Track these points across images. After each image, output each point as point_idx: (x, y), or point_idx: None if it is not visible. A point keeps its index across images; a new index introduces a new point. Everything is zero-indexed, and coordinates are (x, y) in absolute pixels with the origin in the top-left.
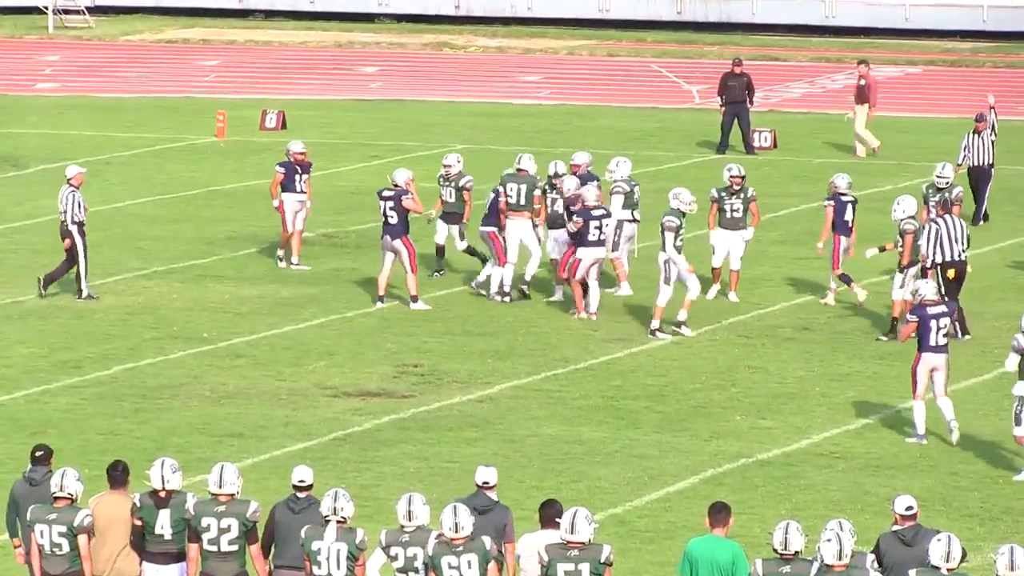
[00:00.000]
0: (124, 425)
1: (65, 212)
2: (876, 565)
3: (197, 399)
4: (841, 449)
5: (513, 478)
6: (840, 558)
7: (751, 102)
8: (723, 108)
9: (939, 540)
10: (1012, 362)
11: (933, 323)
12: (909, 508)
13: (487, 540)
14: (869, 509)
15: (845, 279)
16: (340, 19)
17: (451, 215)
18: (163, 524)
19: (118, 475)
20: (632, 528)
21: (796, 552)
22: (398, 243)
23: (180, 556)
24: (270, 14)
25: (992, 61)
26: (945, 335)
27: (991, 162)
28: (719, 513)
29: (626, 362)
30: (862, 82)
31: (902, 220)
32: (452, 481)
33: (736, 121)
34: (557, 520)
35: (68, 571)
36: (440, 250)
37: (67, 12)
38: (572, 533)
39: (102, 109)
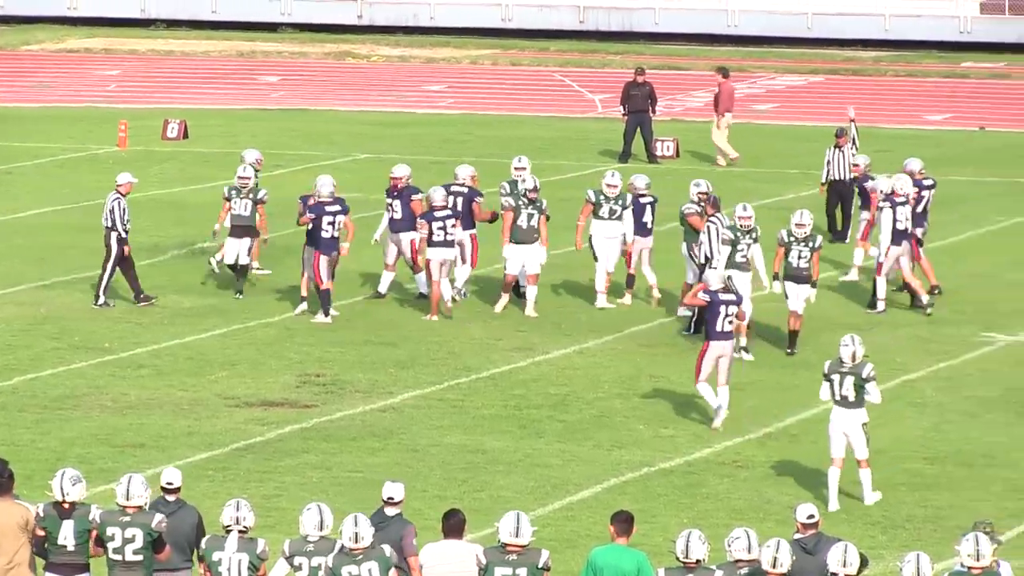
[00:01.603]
0: (25, 436)
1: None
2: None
3: (99, 409)
4: (743, 458)
5: (416, 488)
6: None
7: (654, 111)
8: (626, 117)
9: (836, 547)
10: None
11: (722, 309)
12: (811, 517)
13: (387, 548)
14: (771, 518)
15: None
16: (242, 28)
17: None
18: (66, 535)
19: (3, 481)
20: (538, 537)
21: (698, 560)
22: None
23: (84, 568)
24: (172, 23)
25: (894, 70)
26: (730, 323)
27: (853, 176)
28: (623, 522)
29: (529, 371)
30: (717, 90)
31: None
32: (356, 491)
33: (639, 130)
34: (458, 531)
35: None
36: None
37: None
38: (516, 536)
39: (3, 119)
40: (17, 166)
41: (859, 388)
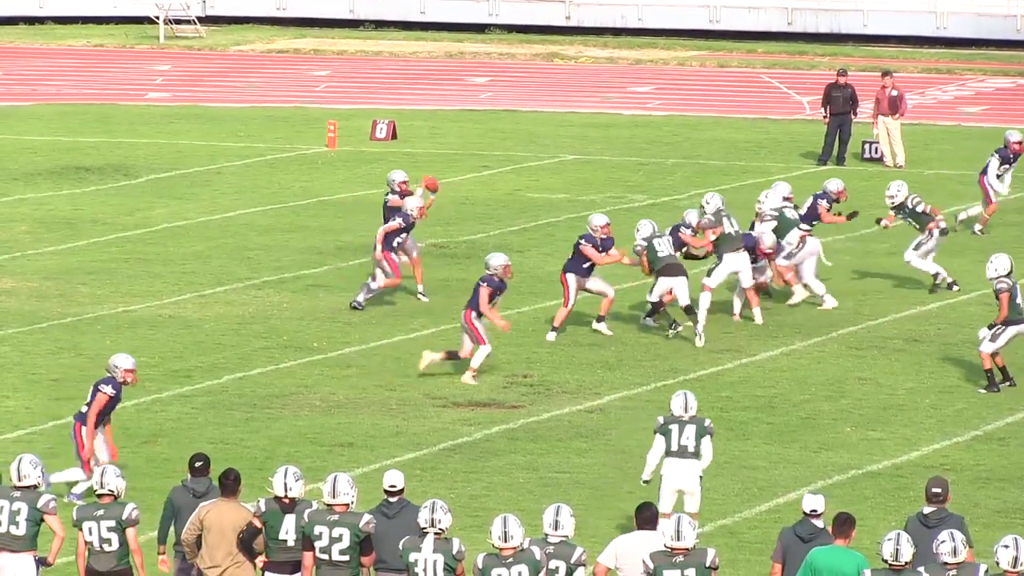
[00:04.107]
0: (234, 434)
1: None
2: None
3: (307, 408)
4: (951, 461)
5: (623, 489)
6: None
7: (855, 113)
8: (827, 119)
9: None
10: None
11: None
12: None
13: (537, 551)
14: (979, 521)
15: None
16: (451, 29)
17: None
18: (287, 529)
19: (230, 483)
20: (741, 539)
21: (906, 563)
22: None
23: (299, 566)
24: (380, 24)
25: None
26: None
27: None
28: (844, 524)
29: (736, 373)
30: (893, 92)
31: (995, 279)
32: (562, 491)
33: (839, 132)
34: (651, 523)
35: (115, 568)
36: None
37: (178, 22)
38: (678, 540)
39: (212, 119)
40: (226, 165)
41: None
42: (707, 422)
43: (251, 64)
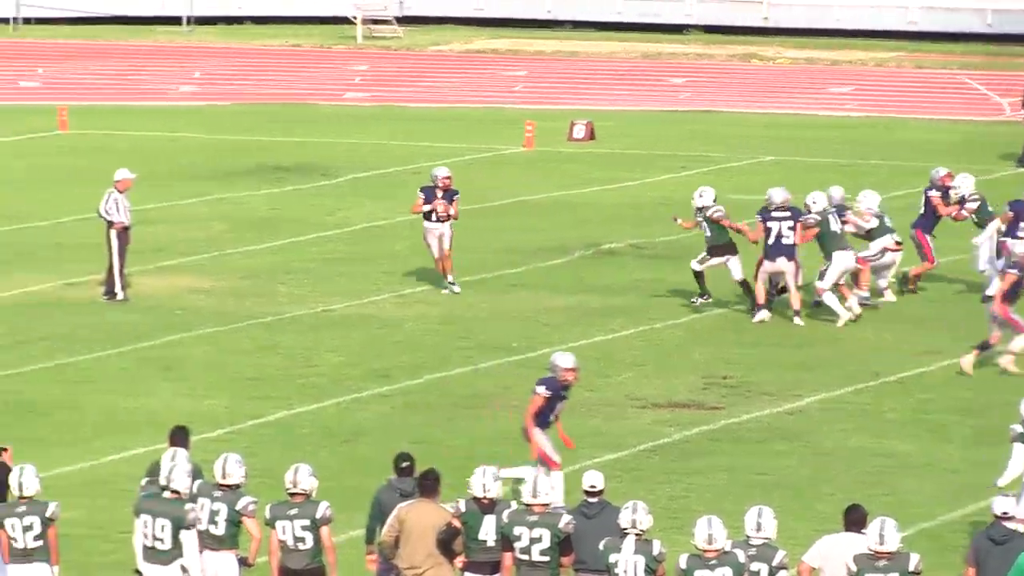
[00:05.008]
0: (434, 434)
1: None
2: None
3: (507, 409)
4: None
5: (823, 491)
6: None
7: None
8: None
9: None
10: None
11: None
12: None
13: (740, 553)
14: None
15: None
16: (648, 30)
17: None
18: (487, 530)
19: (429, 484)
20: (945, 544)
21: None
22: (791, 263)
23: (499, 567)
24: (578, 24)
25: None
26: None
27: None
28: None
29: (937, 375)
30: None
31: None
32: (763, 493)
33: None
34: (859, 525)
35: (308, 566)
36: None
37: (376, 22)
38: (881, 544)
39: (410, 119)
40: (425, 165)
41: None
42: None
43: (448, 64)
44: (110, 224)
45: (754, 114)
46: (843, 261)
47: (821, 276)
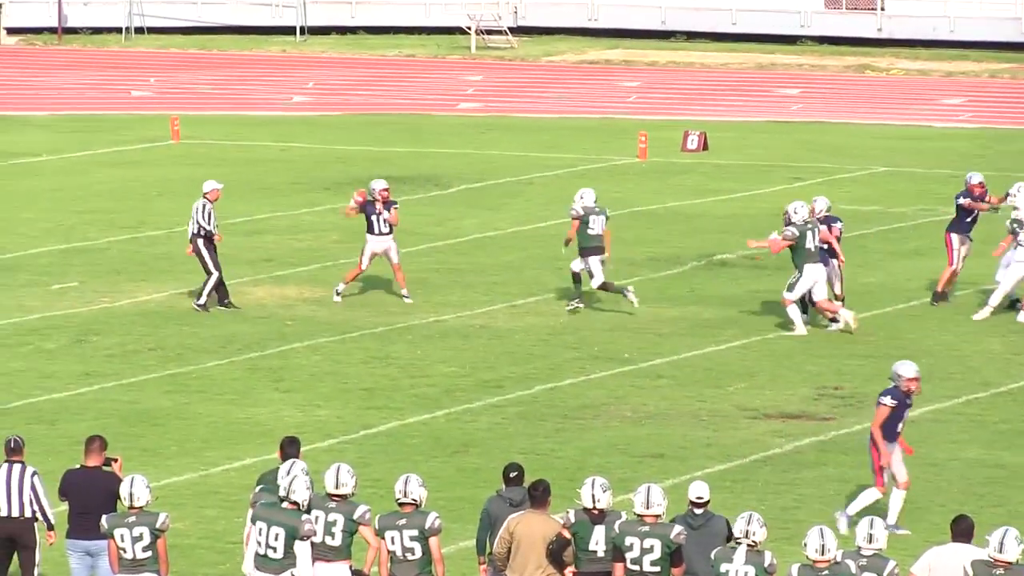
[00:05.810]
0: (545, 445)
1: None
2: None
3: (618, 419)
4: None
5: (935, 502)
6: None
7: None
8: None
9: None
10: None
11: None
12: None
13: (851, 564)
14: None
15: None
16: (761, 41)
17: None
18: (597, 540)
19: (539, 495)
20: None
21: None
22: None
23: None
24: (692, 35)
25: None
26: None
27: None
28: None
29: None
30: None
31: None
32: (873, 505)
33: None
34: (966, 535)
35: None
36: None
37: (490, 32)
38: (1001, 552)
39: (523, 129)
40: (537, 176)
41: None
42: None
43: (562, 75)
44: (208, 235)
45: (867, 125)
46: (813, 274)
47: (790, 288)
